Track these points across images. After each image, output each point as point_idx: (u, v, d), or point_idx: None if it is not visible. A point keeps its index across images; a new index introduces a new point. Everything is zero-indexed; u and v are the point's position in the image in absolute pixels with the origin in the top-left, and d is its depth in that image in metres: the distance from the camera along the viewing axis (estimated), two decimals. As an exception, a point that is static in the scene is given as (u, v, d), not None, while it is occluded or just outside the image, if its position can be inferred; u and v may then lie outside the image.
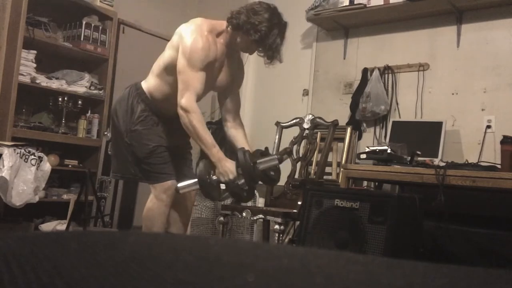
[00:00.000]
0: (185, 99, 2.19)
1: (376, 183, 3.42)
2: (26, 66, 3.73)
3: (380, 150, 2.86)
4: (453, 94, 3.49)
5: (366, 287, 0.41)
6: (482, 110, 3.35)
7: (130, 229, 3.82)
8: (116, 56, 4.33)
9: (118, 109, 2.41)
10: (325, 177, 3.41)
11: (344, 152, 3.52)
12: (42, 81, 3.85)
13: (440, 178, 2.53)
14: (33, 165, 3.34)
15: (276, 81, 4.46)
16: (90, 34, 4.07)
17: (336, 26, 4.03)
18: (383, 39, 3.86)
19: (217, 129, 4.15)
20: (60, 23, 4.10)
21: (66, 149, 4.01)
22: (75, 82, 4.05)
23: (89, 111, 4.17)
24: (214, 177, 2.28)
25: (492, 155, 3.14)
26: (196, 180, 2.26)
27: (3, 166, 3.15)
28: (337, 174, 3.59)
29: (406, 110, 3.66)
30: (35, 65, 3.80)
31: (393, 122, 3.55)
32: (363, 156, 2.92)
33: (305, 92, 4.29)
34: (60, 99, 3.97)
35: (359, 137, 3.83)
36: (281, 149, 3.24)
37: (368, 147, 2.98)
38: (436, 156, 3.11)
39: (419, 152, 2.87)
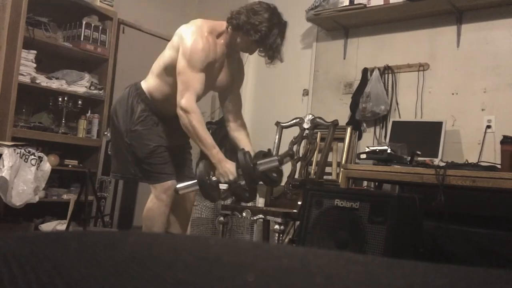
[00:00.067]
0: (185, 100, 2.19)
1: (376, 183, 3.42)
2: (26, 66, 3.73)
3: (380, 150, 2.86)
4: (453, 94, 3.49)
5: (366, 287, 0.41)
6: (482, 110, 3.35)
7: (130, 229, 3.82)
8: (116, 56, 4.33)
9: (118, 109, 2.41)
10: (325, 177, 3.41)
11: (344, 152, 3.52)
12: (42, 81, 3.85)
13: (440, 178, 2.53)
14: (33, 165, 3.34)
15: (276, 81, 4.46)
16: (90, 34, 4.08)
17: (336, 26, 4.03)
18: (383, 39, 3.86)
19: (217, 129, 4.15)
20: (60, 23, 4.10)
21: (66, 149, 4.01)
22: (75, 82, 4.05)
23: (89, 111, 4.17)
24: (214, 178, 2.28)
25: (492, 155, 3.14)
26: (195, 181, 2.26)
27: (3, 166, 3.15)
28: (337, 174, 3.59)
29: (406, 110, 3.66)
30: (35, 65, 3.80)
31: (393, 122, 3.55)
32: (363, 156, 2.92)
33: (305, 92, 4.29)
34: (60, 99, 3.97)
35: (359, 137, 3.83)
36: (281, 149, 3.25)
37: (368, 147, 2.98)
38: (436, 156, 3.11)
39: (419, 152, 2.87)
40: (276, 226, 2.76)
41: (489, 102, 3.33)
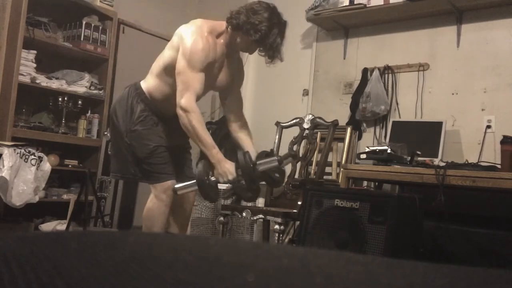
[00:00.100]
0: (185, 99, 2.19)
1: (376, 183, 3.42)
2: (26, 66, 3.73)
3: (380, 150, 2.86)
4: (453, 94, 3.49)
5: (366, 287, 0.41)
6: (482, 110, 3.35)
7: (130, 229, 3.82)
8: (116, 56, 4.33)
9: (118, 109, 2.41)
10: (325, 177, 3.41)
11: (344, 152, 3.52)
12: (42, 81, 3.85)
13: (440, 178, 2.53)
14: (33, 165, 3.34)
15: (276, 81, 4.46)
16: (90, 34, 4.08)
17: (336, 26, 4.03)
18: (383, 39, 3.86)
19: (217, 129, 4.15)
20: (60, 23, 4.10)
21: (66, 149, 4.01)
22: (75, 82, 4.05)
23: (89, 111, 4.17)
24: (213, 178, 2.27)
25: (492, 155, 3.14)
26: (194, 181, 2.25)
27: (3, 166, 3.15)
28: (337, 174, 3.59)
29: (406, 110, 3.66)
30: (35, 65, 3.80)
31: (393, 122, 3.55)
32: (363, 156, 2.92)
33: (305, 92, 4.29)
34: (60, 99, 3.97)
35: (359, 137, 3.83)
36: (281, 149, 3.25)
37: (368, 147, 2.98)
38: (436, 156, 3.11)
39: (419, 152, 2.87)
40: (276, 226, 2.76)
41: (489, 102, 3.33)
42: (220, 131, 4.10)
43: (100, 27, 4.16)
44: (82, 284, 0.35)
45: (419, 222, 2.45)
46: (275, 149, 3.28)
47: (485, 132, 3.29)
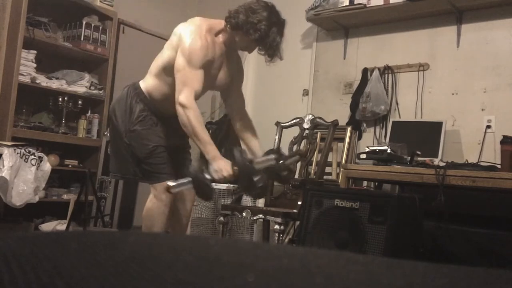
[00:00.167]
0: (183, 96, 2.19)
1: (376, 183, 3.42)
2: (26, 66, 3.73)
3: (380, 150, 2.86)
4: (453, 94, 3.49)
5: (366, 287, 0.41)
6: (482, 110, 3.35)
7: (130, 229, 3.82)
8: (116, 56, 4.33)
9: (117, 109, 2.41)
10: (325, 177, 3.41)
11: (344, 152, 3.52)
12: (42, 81, 3.85)
13: (440, 178, 2.53)
14: (33, 165, 3.34)
15: (276, 81, 4.46)
16: (90, 34, 4.08)
17: (336, 26, 4.03)
18: (383, 39, 3.86)
19: (217, 129, 4.15)
20: (60, 23, 4.10)
21: (66, 149, 4.01)
22: (75, 82, 4.05)
23: (89, 111, 4.17)
24: (208, 176, 2.22)
25: (492, 155, 3.14)
26: (189, 178, 2.21)
27: (3, 166, 3.15)
28: (337, 174, 3.59)
29: (406, 110, 3.66)
30: (35, 65, 3.80)
31: (393, 122, 3.55)
32: (363, 156, 2.92)
33: (305, 92, 4.29)
34: (60, 99, 3.97)
35: (359, 137, 3.83)
36: (282, 150, 3.25)
37: (368, 147, 2.98)
38: (436, 156, 3.11)
39: (419, 152, 2.87)
40: (276, 226, 2.76)
41: (489, 102, 3.33)
42: (220, 131, 4.10)
43: (100, 27, 4.16)
44: (82, 284, 0.35)
45: (419, 222, 2.45)
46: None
47: (485, 132, 3.29)
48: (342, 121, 3.61)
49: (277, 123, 3.41)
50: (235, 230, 3.64)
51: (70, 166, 4.03)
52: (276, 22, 2.28)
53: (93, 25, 4.11)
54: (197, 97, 2.25)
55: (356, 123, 3.79)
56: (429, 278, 0.47)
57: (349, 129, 3.54)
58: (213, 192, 2.41)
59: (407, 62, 3.69)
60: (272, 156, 2.32)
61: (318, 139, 3.41)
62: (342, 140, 3.58)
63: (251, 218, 2.88)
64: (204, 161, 2.26)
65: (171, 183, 2.23)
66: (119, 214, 3.84)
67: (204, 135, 2.22)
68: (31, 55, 3.76)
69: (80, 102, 4.07)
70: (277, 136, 3.37)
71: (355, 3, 3.74)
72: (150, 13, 4.69)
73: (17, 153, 3.25)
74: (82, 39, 4.01)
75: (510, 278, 0.49)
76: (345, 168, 3.03)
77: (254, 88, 4.64)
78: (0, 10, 3.74)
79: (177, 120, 2.25)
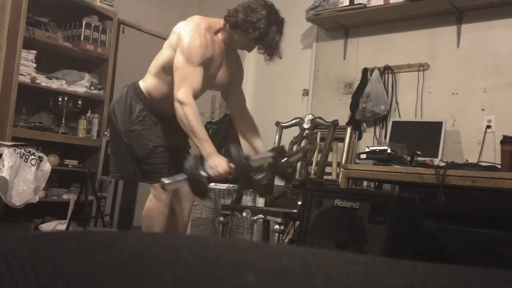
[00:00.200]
0: (181, 92, 2.18)
1: (376, 183, 3.42)
2: (26, 66, 3.73)
3: (380, 150, 2.86)
4: (453, 94, 3.49)
5: (366, 287, 0.41)
6: (482, 110, 3.35)
7: (130, 229, 3.82)
8: (116, 56, 4.33)
9: (117, 109, 2.41)
10: (325, 177, 3.41)
11: (344, 152, 3.52)
12: (42, 81, 3.85)
13: (440, 178, 2.53)
14: (33, 165, 3.34)
15: (276, 81, 4.46)
16: (90, 34, 4.08)
17: (336, 26, 4.02)
18: (383, 39, 3.86)
19: (217, 129, 4.15)
20: (60, 23, 4.10)
21: (66, 149, 4.01)
22: (75, 82, 4.05)
23: (89, 111, 4.17)
24: (204, 173, 2.18)
25: (492, 155, 3.14)
26: (183, 175, 2.17)
27: (3, 166, 3.15)
28: (337, 174, 3.59)
29: (406, 110, 3.66)
30: (35, 65, 3.80)
31: (393, 122, 3.55)
32: (363, 156, 2.92)
33: (305, 92, 4.29)
34: (60, 99, 3.97)
35: (359, 137, 3.83)
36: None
37: (368, 147, 2.98)
38: (436, 156, 3.11)
39: (419, 152, 2.87)
40: (276, 226, 2.76)
41: (489, 102, 3.33)
42: (220, 131, 4.10)
43: (100, 27, 4.16)
44: (82, 284, 0.35)
45: (419, 222, 2.45)
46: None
47: (485, 132, 3.29)
48: (342, 121, 3.61)
49: (277, 123, 3.41)
50: (235, 230, 3.64)
51: (70, 166, 4.03)
52: (275, 21, 2.28)
53: (93, 25, 4.11)
54: (196, 94, 2.25)
55: (356, 123, 3.79)
56: (429, 278, 0.47)
57: (349, 129, 3.54)
58: (209, 189, 2.39)
59: (407, 62, 3.69)
60: (270, 153, 2.31)
61: (318, 139, 3.41)
62: (342, 140, 3.57)
63: (251, 218, 2.88)
64: (198, 157, 2.22)
65: (166, 180, 2.20)
66: (119, 214, 3.84)
67: (200, 131, 2.21)
68: (31, 55, 3.76)
69: (80, 102, 4.07)
70: (277, 136, 3.37)
71: (355, 3, 3.74)
72: (150, 13, 4.69)
73: (17, 153, 3.25)
74: (82, 39, 4.02)
75: (510, 278, 0.49)
76: (345, 168, 3.03)
77: (254, 88, 4.64)
78: (0, 10, 3.74)
79: (177, 120, 2.25)
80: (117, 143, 2.42)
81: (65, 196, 3.94)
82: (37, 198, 3.40)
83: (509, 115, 3.22)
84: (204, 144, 2.19)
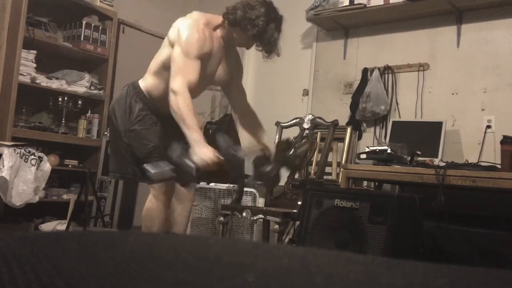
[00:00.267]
0: (175, 83, 2.17)
1: (376, 183, 3.42)
2: (26, 66, 3.73)
3: (380, 150, 2.86)
4: (453, 94, 3.49)
5: (366, 287, 0.41)
6: (482, 110, 3.35)
7: (130, 229, 3.82)
8: (116, 56, 4.33)
9: (116, 109, 2.41)
10: (325, 177, 3.41)
11: (344, 152, 3.52)
12: (42, 81, 3.85)
13: (440, 178, 2.53)
14: (33, 165, 3.34)
15: (276, 81, 4.46)
16: (90, 34, 4.08)
17: (336, 26, 4.02)
18: (383, 39, 3.86)
19: (217, 129, 4.15)
20: (60, 23, 4.10)
21: (66, 149, 4.01)
22: (75, 82, 4.05)
23: (89, 111, 4.17)
24: (190, 163, 2.11)
25: (492, 155, 3.14)
26: (168, 164, 2.13)
27: (3, 166, 3.15)
28: (337, 174, 3.59)
29: (406, 110, 3.66)
30: (35, 65, 3.80)
31: (393, 122, 3.55)
32: (363, 156, 2.92)
33: (305, 92, 4.29)
34: (60, 99, 3.97)
35: (359, 137, 3.83)
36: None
37: (368, 147, 2.98)
38: (436, 156, 3.11)
39: (419, 152, 2.86)
40: (276, 226, 2.76)
41: (489, 102, 3.33)
42: (220, 131, 4.10)
43: (100, 27, 4.16)
44: (82, 284, 0.35)
45: (419, 222, 2.45)
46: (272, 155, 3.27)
47: (485, 132, 3.29)
48: (342, 121, 3.61)
49: (277, 123, 3.41)
50: (235, 230, 3.64)
51: (70, 166, 4.03)
52: (274, 18, 2.28)
53: (93, 25, 4.11)
54: (192, 88, 2.22)
55: (356, 123, 3.79)
56: (429, 278, 0.47)
57: (349, 129, 3.54)
58: (195, 179, 2.38)
59: (407, 62, 3.69)
60: (258, 146, 2.33)
61: (318, 139, 3.41)
62: (342, 140, 3.57)
63: (251, 218, 2.88)
64: (183, 145, 2.16)
65: (151, 170, 2.15)
66: (119, 214, 3.84)
67: (190, 119, 2.15)
68: (31, 55, 3.76)
69: (80, 102, 4.07)
70: (277, 136, 3.37)
71: (355, 3, 3.74)
72: (150, 13, 4.69)
73: (17, 153, 3.25)
74: (82, 39, 4.01)
75: (510, 278, 0.49)
76: (345, 168, 3.03)
77: (254, 88, 4.64)
78: (0, 10, 3.74)
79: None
80: (117, 143, 2.42)
81: (65, 196, 3.94)
82: (37, 198, 3.40)
83: (509, 115, 3.22)
84: (193, 133, 2.15)
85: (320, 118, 3.24)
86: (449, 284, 0.45)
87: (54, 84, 3.92)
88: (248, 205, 3.39)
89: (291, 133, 3.31)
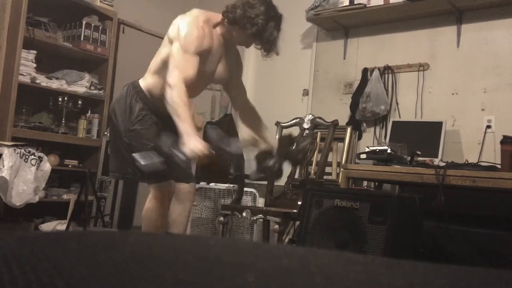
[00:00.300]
0: (172, 77, 2.16)
1: (376, 183, 3.42)
2: (26, 66, 3.73)
3: (380, 150, 2.86)
4: (453, 94, 3.49)
5: (366, 287, 0.41)
6: (482, 110, 3.35)
7: (130, 229, 3.82)
8: (116, 56, 4.33)
9: (117, 108, 2.40)
10: (325, 177, 3.41)
11: (344, 152, 3.52)
12: (42, 81, 3.85)
13: (440, 178, 2.53)
14: (33, 165, 3.34)
15: (276, 81, 4.46)
16: (90, 34, 4.08)
17: (336, 26, 4.02)
18: (383, 39, 3.86)
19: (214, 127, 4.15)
20: (60, 23, 4.10)
21: (66, 149, 4.01)
22: (75, 82, 4.05)
23: (89, 111, 4.17)
24: (181, 155, 2.08)
25: (492, 155, 3.14)
26: (158, 156, 2.12)
27: (3, 166, 3.15)
28: (337, 174, 3.59)
29: (406, 110, 3.66)
30: (35, 65, 3.80)
31: (393, 122, 3.55)
32: (363, 156, 2.92)
33: (305, 92, 4.29)
34: (60, 99, 3.97)
35: (359, 137, 3.83)
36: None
37: (368, 147, 2.98)
38: (436, 156, 3.11)
39: (419, 152, 2.87)
40: (276, 226, 2.76)
41: (489, 102, 3.33)
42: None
43: (100, 27, 4.16)
44: (82, 284, 0.35)
45: (419, 222, 2.45)
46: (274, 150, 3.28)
47: (485, 132, 3.29)
48: (342, 121, 3.61)
49: (277, 123, 3.41)
50: (235, 230, 3.64)
51: (70, 166, 4.02)
52: (274, 17, 2.29)
53: (93, 25, 4.10)
54: (193, 88, 2.22)
55: (356, 123, 3.79)
56: (429, 278, 0.47)
57: (349, 129, 3.54)
58: (189, 174, 2.39)
59: (407, 62, 3.69)
60: (256, 140, 2.35)
61: (318, 139, 3.41)
62: (342, 140, 3.57)
63: (251, 218, 2.88)
64: (172, 136, 2.14)
65: (141, 161, 2.11)
66: (119, 214, 3.84)
67: (183, 112, 2.13)
68: (31, 55, 3.76)
69: (80, 102, 4.07)
70: (277, 136, 3.37)
71: (355, 3, 3.74)
72: (150, 13, 4.69)
73: (17, 153, 3.25)
74: (82, 39, 4.01)
75: (510, 278, 0.49)
76: (345, 168, 3.03)
77: (254, 88, 4.64)
78: (0, 10, 3.74)
79: None
80: (117, 143, 2.42)
81: (65, 196, 3.94)
82: (37, 198, 3.40)
83: (509, 115, 3.22)
84: (186, 125, 2.12)
85: (320, 118, 3.24)
86: (449, 284, 0.45)
87: (54, 84, 3.92)
88: (248, 205, 3.39)
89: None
